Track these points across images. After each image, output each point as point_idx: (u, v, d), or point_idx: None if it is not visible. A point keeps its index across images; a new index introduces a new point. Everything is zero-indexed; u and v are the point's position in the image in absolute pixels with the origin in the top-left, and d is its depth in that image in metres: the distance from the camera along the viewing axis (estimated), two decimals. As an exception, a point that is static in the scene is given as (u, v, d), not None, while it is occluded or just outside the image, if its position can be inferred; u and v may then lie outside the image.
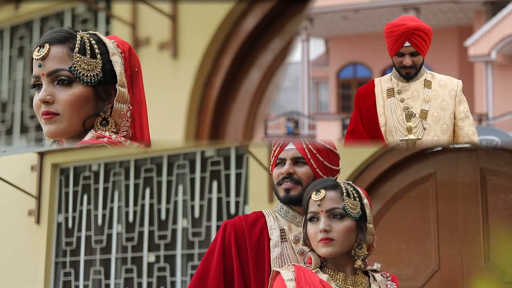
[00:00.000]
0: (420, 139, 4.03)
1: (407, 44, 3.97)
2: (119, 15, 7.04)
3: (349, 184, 2.71)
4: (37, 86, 2.17)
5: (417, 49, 3.98)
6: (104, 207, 6.95)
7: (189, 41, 6.66)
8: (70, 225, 7.14)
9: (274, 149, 2.97)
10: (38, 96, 2.15)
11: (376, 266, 2.76)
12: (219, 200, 6.52)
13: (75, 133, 2.19)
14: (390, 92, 4.10)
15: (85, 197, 7.05)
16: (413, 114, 4.02)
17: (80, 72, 2.15)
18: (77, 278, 7.04)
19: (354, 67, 26.64)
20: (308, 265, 2.68)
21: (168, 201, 6.74)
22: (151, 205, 6.79)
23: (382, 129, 4.08)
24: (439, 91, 4.08)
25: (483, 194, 5.51)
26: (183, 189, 6.71)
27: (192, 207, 6.62)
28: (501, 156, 5.53)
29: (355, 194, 2.68)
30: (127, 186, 6.87)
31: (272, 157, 2.98)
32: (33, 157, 7.17)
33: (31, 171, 7.19)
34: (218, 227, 6.14)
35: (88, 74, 2.17)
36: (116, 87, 2.23)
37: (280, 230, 2.92)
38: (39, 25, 8.22)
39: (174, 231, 6.66)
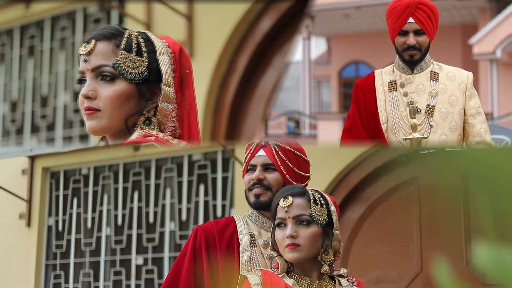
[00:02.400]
0: (426, 138, 3.63)
1: (410, 20, 3.60)
2: (133, 14, 6.98)
3: (317, 191, 2.79)
4: (83, 81, 2.18)
5: (421, 26, 3.60)
6: (94, 210, 6.97)
7: (205, 41, 6.60)
8: (60, 228, 7.16)
9: (245, 155, 3.04)
10: (81, 92, 2.17)
11: (342, 271, 2.83)
12: (206, 203, 6.54)
13: (117, 131, 2.19)
14: (392, 85, 3.72)
15: (75, 201, 7.06)
16: (418, 110, 3.62)
17: (123, 69, 2.16)
18: (67, 281, 7.07)
19: (356, 66, 26.43)
20: (275, 269, 2.76)
21: (156, 205, 6.76)
22: (139, 208, 6.81)
23: (383, 126, 3.70)
24: (447, 84, 3.70)
25: (465, 198, 5.56)
26: (170, 192, 6.72)
27: (180, 210, 6.65)
28: None
29: (322, 201, 2.76)
30: (116, 190, 6.90)
31: (244, 163, 3.04)
32: (24, 161, 7.20)
33: (22, 175, 7.21)
34: (205, 230, 6.16)
35: (132, 72, 2.17)
36: (161, 86, 2.22)
37: (250, 235, 3.00)
38: (50, 25, 8.20)
39: (162, 234, 6.69)
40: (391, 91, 3.71)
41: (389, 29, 3.69)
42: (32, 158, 7.12)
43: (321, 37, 27.98)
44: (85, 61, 2.17)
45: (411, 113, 3.63)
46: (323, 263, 2.75)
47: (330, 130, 22.88)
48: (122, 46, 2.18)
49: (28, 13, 8.23)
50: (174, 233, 6.65)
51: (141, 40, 2.22)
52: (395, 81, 3.71)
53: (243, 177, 3.06)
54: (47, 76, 8.20)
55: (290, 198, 2.73)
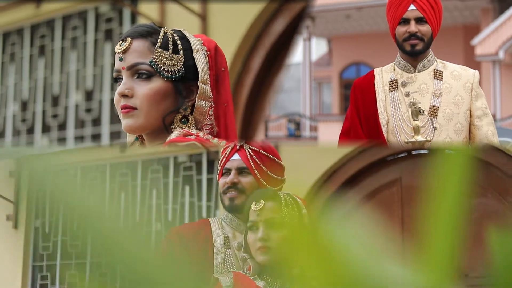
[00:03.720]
0: (430, 141, 3.40)
1: (412, 7, 3.37)
2: (146, 13, 6.98)
3: (288, 194, 2.83)
4: (118, 80, 2.17)
5: (424, 14, 3.36)
6: None
7: (219, 41, 6.54)
8: (47, 230, 7.10)
9: (220, 158, 3.10)
10: (117, 90, 2.15)
11: None
12: (191, 204, 6.48)
13: (154, 129, 2.18)
14: (393, 85, 3.47)
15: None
16: (421, 111, 3.38)
17: (160, 67, 2.15)
18: (53, 282, 6.86)
19: (358, 67, 26.36)
20: (247, 272, 2.81)
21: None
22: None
23: (384, 129, 3.47)
24: (452, 83, 3.44)
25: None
26: (156, 193, 6.65)
27: (166, 210, 6.58)
28: None
29: (294, 205, 2.79)
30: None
31: (219, 167, 3.10)
32: (11, 163, 7.23)
33: (9, 177, 7.22)
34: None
35: (169, 69, 2.16)
36: (198, 84, 2.21)
37: (224, 237, 3.07)
38: (61, 24, 8.27)
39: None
40: (392, 91, 3.48)
41: (389, 22, 3.46)
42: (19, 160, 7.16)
43: (322, 38, 27.94)
44: (121, 59, 2.16)
45: (413, 114, 3.39)
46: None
47: (331, 132, 22.80)
48: (158, 44, 2.17)
49: (39, 12, 8.29)
50: (160, 233, 6.54)
51: (176, 38, 2.21)
52: (396, 80, 3.48)
53: (218, 180, 3.13)
54: (58, 75, 8.19)
55: (262, 201, 2.77)
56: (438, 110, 3.40)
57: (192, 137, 2.19)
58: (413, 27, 3.35)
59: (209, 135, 2.25)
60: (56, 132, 8.13)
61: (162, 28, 2.22)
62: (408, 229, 5.58)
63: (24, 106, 8.46)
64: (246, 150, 3.03)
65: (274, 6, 6.60)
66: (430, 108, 3.40)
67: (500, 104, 21.16)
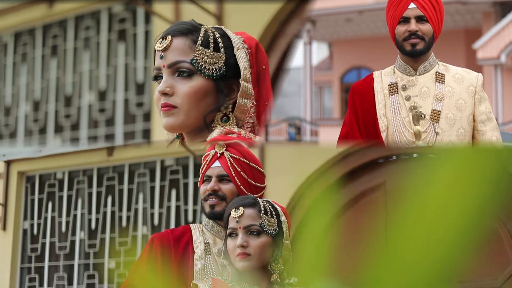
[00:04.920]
0: (431, 146, 3.25)
1: (412, 6, 3.25)
2: (161, 13, 6.95)
3: (268, 202, 2.87)
4: (158, 78, 2.16)
5: (424, 12, 3.25)
6: (68, 215, 7.06)
7: None
8: (35, 231, 7.24)
9: (202, 166, 3.13)
10: (158, 88, 2.14)
11: (292, 280, 2.89)
12: (178, 208, 6.62)
13: (194, 128, 2.17)
14: (393, 88, 3.35)
15: (50, 205, 7.14)
16: (422, 116, 3.26)
17: (201, 65, 2.13)
18: (41, 284, 7.14)
19: (359, 72, 26.31)
20: (227, 278, 2.86)
21: (129, 209, 6.86)
22: (112, 213, 6.90)
23: (383, 134, 3.32)
24: (455, 86, 3.32)
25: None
26: (143, 197, 6.81)
27: (152, 214, 6.74)
28: None
29: (273, 212, 2.84)
30: (90, 194, 6.98)
31: (200, 174, 3.13)
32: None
33: None
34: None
35: (210, 68, 2.14)
36: (240, 82, 2.19)
37: (205, 243, 3.11)
38: (74, 24, 8.26)
39: (134, 238, 6.81)
40: (391, 95, 3.35)
41: (388, 23, 3.35)
42: (8, 163, 7.21)
43: (323, 42, 27.87)
44: (162, 57, 2.14)
45: (414, 119, 3.27)
46: (272, 272, 2.83)
47: (332, 137, 22.79)
48: (199, 42, 2.15)
49: (51, 12, 8.29)
50: (146, 237, 6.74)
51: (217, 35, 2.19)
52: (396, 83, 3.36)
53: (199, 187, 3.16)
54: (71, 75, 8.16)
55: (241, 208, 2.81)
56: (440, 114, 3.29)
57: (234, 135, 2.18)
58: (413, 25, 3.25)
59: (250, 133, 2.25)
60: (69, 132, 8.16)
61: (202, 26, 2.20)
62: (393, 233, 5.84)
63: (36, 106, 8.46)
64: (227, 158, 3.08)
65: (291, 6, 6.59)
66: (431, 112, 3.29)
67: (502, 108, 21.11)
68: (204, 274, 3.04)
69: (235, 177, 3.06)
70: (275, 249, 2.84)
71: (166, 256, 3.06)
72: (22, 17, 8.46)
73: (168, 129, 2.16)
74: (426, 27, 3.27)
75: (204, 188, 3.10)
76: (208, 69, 2.14)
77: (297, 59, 25.43)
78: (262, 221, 2.80)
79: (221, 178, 3.07)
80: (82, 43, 8.12)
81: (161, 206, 6.64)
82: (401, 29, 3.28)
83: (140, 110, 7.55)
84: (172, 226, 6.53)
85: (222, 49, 2.18)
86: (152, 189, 6.72)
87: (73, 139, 8.03)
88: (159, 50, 2.15)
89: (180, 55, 2.14)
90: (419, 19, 3.26)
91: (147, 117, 7.48)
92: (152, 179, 6.73)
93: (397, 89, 3.36)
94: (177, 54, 2.14)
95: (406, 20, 3.27)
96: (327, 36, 26.36)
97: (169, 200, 6.61)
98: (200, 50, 2.14)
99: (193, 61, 2.12)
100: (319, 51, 29.94)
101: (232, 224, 2.82)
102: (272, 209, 2.86)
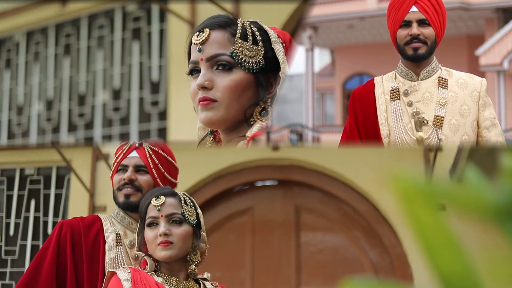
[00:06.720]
0: (434, 151, 3.25)
1: (414, 9, 3.18)
2: (176, 11, 6.90)
3: (184, 194, 2.90)
4: (194, 72, 2.11)
5: (426, 15, 3.17)
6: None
7: None
8: None
9: (117, 155, 3.11)
10: (196, 82, 2.08)
11: (206, 275, 2.96)
12: (36, 219, 6.43)
13: (234, 122, 2.11)
14: (395, 94, 3.27)
15: None
16: (425, 122, 3.17)
17: (241, 58, 2.09)
18: None
19: (361, 78, 26.25)
20: (142, 268, 2.83)
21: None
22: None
23: (385, 141, 3.24)
24: (458, 92, 3.23)
25: (296, 229, 5.86)
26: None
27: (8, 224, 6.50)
28: (314, 195, 5.88)
29: (191, 203, 2.88)
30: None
31: (114, 163, 3.11)
32: None
33: None
34: (33, 246, 6.24)
35: (250, 61, 2.10)
36: (280, 75, 2.15)
37: (116, 234, 3.10)
38: (87, 23, 8.24)
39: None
40: (393, 100, 3.27)
41: (390, 27, 3.27)
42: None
43: (325, 49, 27.85)
44: (200, 50, 2.09)
45: (416, 125, 3.18)
46: (191, 262, 2.85)
47: (334, 143, 22.77)
48: (238, 35, 2.11)
49: (64, 11, 8.28)
50: (0, 248, 6.53)
51: (255, 29, 2.16)
52: (398, 88, 3.28)
53: (111, 177, 3.13)
54: (84, 74, 8.11)
55: (163, 197, 2.81)
56: (443, 120, 3.20)
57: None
58: (415, 29, 3.17)
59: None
60: (83, 131, 8.13)
61: (238, 20, 2.17)
62: (259, 256, 5.61)
63: (49, 105, 8.43)
64: (146, 149, 3.10)
65: (307, 6, 6.55)
66: (434, 118, 3.20)
67: (505, 114, 21.07)
68: (115, 265, 3.03)
69: (153, 169, 3.07)
70: (194, 239, 2.86)
71: (76, 243, 3.04)
72: (35, 16, 8.44)
73: (207, 123, 2.09)
74: (428, 31, 3.19)
75: (119, 178, 3.08)
76: (248, 62, 2.10)
77: (299, 65, 25.45)
78: (183, 210, 2.81)
79: (138, 169, 3.07)
80: (95, 42, 8.08)
81: (18, 216, 6.46)
82: (402, 33, 3.21)
83: (155, 108, 7.45)
84: (29, 238, 6.37)
85: (260, 42, 2.15)
86: (9, 198, 6.54)
87: (87, 138, 8.01)
88: (196, 44, 2.10)
89: (219, 48, 2.09)
90: (421, 22, 3.19)
91: (162, 115, 7.40)
92: (10, 187, 6.54)
93: (399, 94, 3.28)
94: (216, 47, 2.09)
95: (408, 24, 3.20)
96: (329, 43, 26.33)
97: (27, 210, 6.43)
98: (239, 43, 2.10)
99: (233, 54, 2.08)
100: (321, 58, 29.95)
101: (152, 213, 2.80)
102: (189, 200, 2.88)
